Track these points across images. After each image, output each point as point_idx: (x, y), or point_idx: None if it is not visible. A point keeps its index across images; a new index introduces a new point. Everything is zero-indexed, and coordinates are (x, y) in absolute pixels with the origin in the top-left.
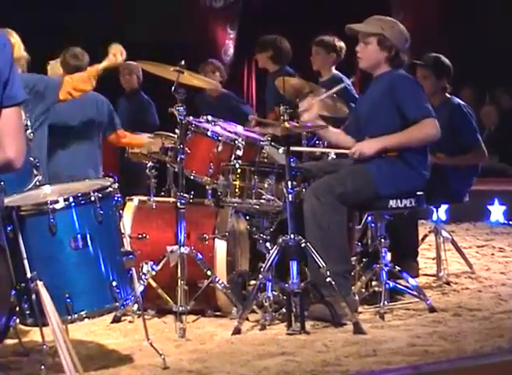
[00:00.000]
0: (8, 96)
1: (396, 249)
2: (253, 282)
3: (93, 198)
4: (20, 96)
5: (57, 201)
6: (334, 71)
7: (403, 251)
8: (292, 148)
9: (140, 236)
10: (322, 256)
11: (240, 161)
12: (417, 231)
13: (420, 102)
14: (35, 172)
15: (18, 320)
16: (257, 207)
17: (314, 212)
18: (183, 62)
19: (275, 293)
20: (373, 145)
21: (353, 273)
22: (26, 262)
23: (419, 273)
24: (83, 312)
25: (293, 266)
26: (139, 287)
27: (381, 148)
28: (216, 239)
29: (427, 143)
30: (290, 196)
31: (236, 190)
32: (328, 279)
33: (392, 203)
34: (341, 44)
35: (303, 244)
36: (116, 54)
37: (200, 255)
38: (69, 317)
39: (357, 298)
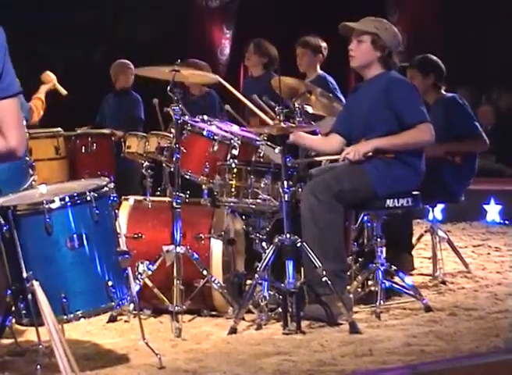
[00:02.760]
0: (5, 88)
1: (391, 242)
2: (249, 282)
3: (89, 198)
4: (13, 89)
5: (53, 201)
6: (319, 71)
7: (398, 245)
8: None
9: (135, 235)
10: (318, 255)
11: (236, 160)
12: (411, 224)
13: (415, 106)
14: (31, 172)
15: (14, 320)
16: (254, 207)
17: (312, 210)
18: (178, 62)
19: (271, 292)
20: (368, 145)
21: (349, 273)
22: (22, 261)
23: (414, 266)
24: (79, 312)
25: (289, 266)
26: (135, 287)
27: (376, 147)
28: (212, 239)
29: (421, 147)
30: (286, 196)
31: (232, 189)
32: (324, 278)
33: (389, 202)
34: (324, 44)
35: (299, 244)
36: (51, 80)
37: (196, 255)
38: (65, 317)
39: (351, 296)
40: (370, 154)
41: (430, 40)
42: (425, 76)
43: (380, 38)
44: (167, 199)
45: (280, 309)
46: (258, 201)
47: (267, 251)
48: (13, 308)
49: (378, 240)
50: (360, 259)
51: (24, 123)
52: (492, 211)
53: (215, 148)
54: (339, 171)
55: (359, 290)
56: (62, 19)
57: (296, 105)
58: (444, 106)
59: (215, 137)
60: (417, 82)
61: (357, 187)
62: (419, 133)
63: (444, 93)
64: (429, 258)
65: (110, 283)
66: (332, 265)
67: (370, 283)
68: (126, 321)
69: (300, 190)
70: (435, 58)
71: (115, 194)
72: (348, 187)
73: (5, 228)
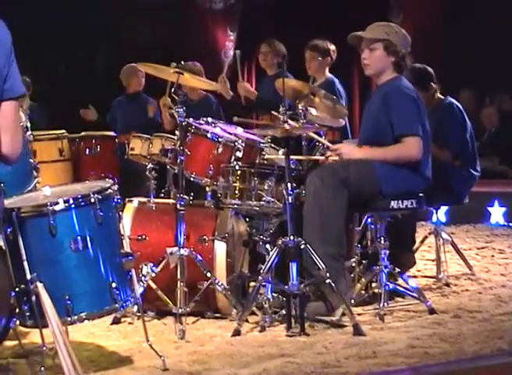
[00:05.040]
0: (6, 90)
1: (392, 238)
2: (252, 284)
3: (93, 200)
4: (17, 90)
5: (57, 203)
6: (328, 74)
7: (399, 241)
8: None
9: (139, 237)
10: (318, 237)
11: (239, 162)
12: (414, 222)
13: (407, 119)
14: (35, 174)
15: (18, 322)
16: (257, 209)
17: (316, 193)
18: (182, 63)
19: (275, 294)
20: (355, 154)
21: (352, 275)
22: (26, 263)
23: (415, 261)
24: (82, 314)
25: (293, 268)
26: (139, 289)
27: (359, 159)
28: (216, 241)
29: (406, 162)
30: (290, 198)
31: (236, 191)
32: (327, 280)
33: (394, 204)
34: (333, 47)
35: (302, 246)
36: None
37: (199, 257)
38: (69, 319)
39: (352, 294)
40: None
41: (434, 42)
42: (426, 89)
43: (392, 43)
44: (171, 201)
45: (284, 311)
46: (262, 203)
47: (270, 253)
48: (17, 309)
49: (382, 242)
50: (363, 261)
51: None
52: (496, 213)
53: (219, 150)
54: (347, 160)
55: (363, 292)
56: (63, 19)
57: (300, 107)
58: (441, 111)
59: (220, 140)
60: (422, 97)
61: (362, 179)
62: (404, 149)
63: (441, 97)
64: (433, 261)
65: (114, 284)
66: (331, 248)
67: (373, 285)
68: (129, 323)
69: (303, 192)
70: (422, 66)
71: (119, 196)
72: (354, 177)
73: (9, 230)
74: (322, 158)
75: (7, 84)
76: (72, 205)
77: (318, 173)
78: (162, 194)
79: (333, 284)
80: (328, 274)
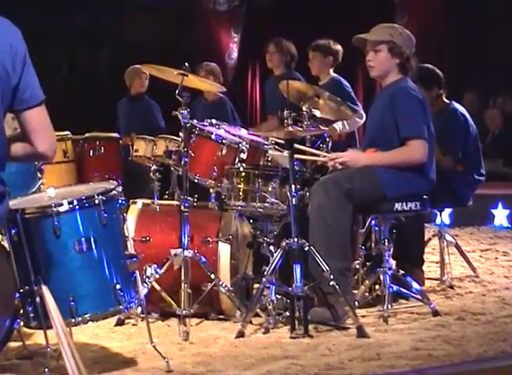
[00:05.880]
0: (24, 100)
1: (402, 257)
2: (256, 285)
3: (97, 201)
4: (36, 99)
5: (61, 204)
6: (332, 74)
7: (409, 259)
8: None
9: (143, 239)
10: (324, 251)
11: (244, 164)
12: (423, 239)
13: (413, 121)
14: (39, 175)
15: (22, 323)
16: (261, 210)
17: (321, 207)
18: (186, 65)
19: (279, 296)
20: (360, 161)
21: (356, 277)
22: (30, 264)
23: (424, 281)
24: (86, 315)
25: (297, 270)
26: (143, 290)
27: (363, 165)
28: (220, 242)
29: (411, 165)
30: (294, 199)
31: (240, 193)
32: (331, 282)
33: (398, 206)
34: (337, 47)
35: (306, 248)
36: None
37: (203, 259)
38: (73, 320)
39: (356, 297)
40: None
41: (438, 43)
42: (429, 88)
43: (397, 45)
44: (175, 203)
45: (287, 313)
46: (266, 204)
47: (274, 255)
48: (21, 311)
49: (386, 243)
50: (367, 263)
51: None
52: (500, 215)
53: (224, 151)
54: (349, 170)
55: (366, 294)
56: (67, 20)
57: (304, 109)
58: (445, 117)
59: (224, 141)
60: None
61: (366, 187)
62: (409, 152)
63: (447, 101)
64: (437, 263)
65: (118, 286)
66: (337, 263)
67: (377, 287)
68: (133, 324)
69: (307, 194)
70: (431, 67)
71: (123, 198)
72: (358, 187)
73: (13, 231)
74: (326, 159)
75: (27, 93)
76: (77, 207)
77: (322, 186)
78: (166, 196)
79: (337, 286)
80: (331, 276)
